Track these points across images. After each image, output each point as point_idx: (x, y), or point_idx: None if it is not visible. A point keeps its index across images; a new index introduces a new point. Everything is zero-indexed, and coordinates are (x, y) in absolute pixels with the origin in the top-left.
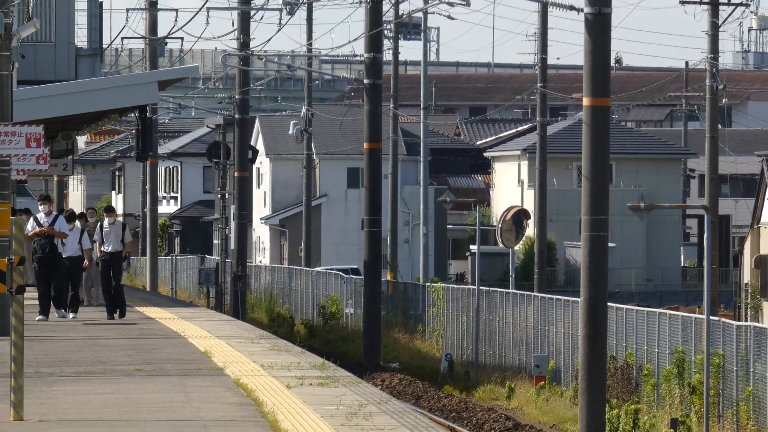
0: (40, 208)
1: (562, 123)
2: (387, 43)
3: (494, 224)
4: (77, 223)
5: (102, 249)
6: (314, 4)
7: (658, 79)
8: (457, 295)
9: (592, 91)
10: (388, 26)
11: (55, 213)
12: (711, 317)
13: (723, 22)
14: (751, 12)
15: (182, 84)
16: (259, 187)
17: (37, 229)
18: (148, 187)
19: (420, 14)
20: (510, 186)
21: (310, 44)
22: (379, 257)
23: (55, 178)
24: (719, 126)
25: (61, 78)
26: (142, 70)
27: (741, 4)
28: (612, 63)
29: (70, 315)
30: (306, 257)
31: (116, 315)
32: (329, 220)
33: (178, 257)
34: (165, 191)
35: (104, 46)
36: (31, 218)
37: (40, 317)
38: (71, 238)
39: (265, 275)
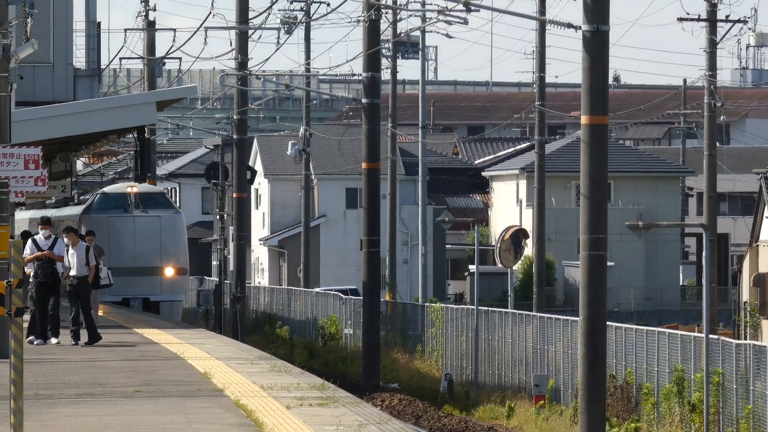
0: (41, 231)
1: (560, 141)
2: (385, 63)
3: (493, 244)
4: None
5: (69, 274)
6: (312, 23)
7: (656, 97)
8: (456, 315)
9: (590, 109)
10: (387, 45)
11: (54, 236)
12: (710, 336)
13: (721, 39)
14: (749, 29)
15: (180, 104)
16: (257, 208)
17: (37, 252)
18: None
19: (418, 33)
20: (508, 205)
21: (308, 64)
22: (378, 278)
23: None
24: (717, 144)
25: (60, 99)
26: (140, 90)
27: (739, 21)
28: (610, 81)
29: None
30: (305, 278)
31: (79, 341)
32: (328, 241)
33: None
34: None
35: (102, 67)
36: (29, 241)
37: (38, 341)
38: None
39: (264, 296)
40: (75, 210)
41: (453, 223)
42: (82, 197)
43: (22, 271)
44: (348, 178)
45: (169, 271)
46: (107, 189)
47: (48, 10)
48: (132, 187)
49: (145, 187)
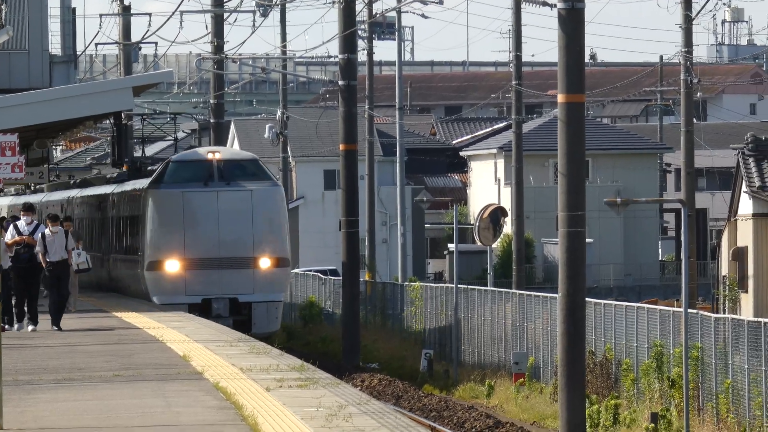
0: (23, 217)
1: (537, 120)
2: (361, 44)
3: (472, 223)
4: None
5: (47, 259)
6: (287, 5)
7: (633, 74)
8: (435, 294)
9: (566, 88)
10: (362, 27)
11: (36, 222)
12: (689, 310)
13: (696, 15)
14: (724, 4)
15: (157, 89)
16: None
17: (18, 237)
18: None
19: (394, 14)
20: (486, 184)
21: (284, 46)
22: (357, 258)
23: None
24: (694, 120)
25: (35, 85)
26: (116, 76)
27: None
28: (586, 59)
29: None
30: None
31: (54, 327)
32: (307, 222)
33: None
34: None
35: (78, 53)
36: (11, 226)
37: (17, 325)
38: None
39: None
40: (139, 184)
41: (431, 203)
42: (150, 168)
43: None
44: (326, 160)
45: (264, 263)
46: (181, 155)
47: None
48: (214, 153)
49: (231, 152)
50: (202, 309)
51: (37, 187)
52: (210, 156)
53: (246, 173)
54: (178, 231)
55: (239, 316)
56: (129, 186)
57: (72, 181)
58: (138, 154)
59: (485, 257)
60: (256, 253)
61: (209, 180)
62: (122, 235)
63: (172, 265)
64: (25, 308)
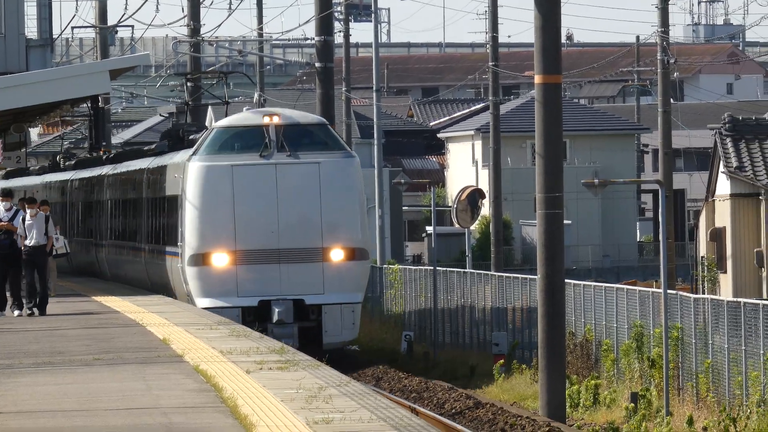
0: (1, 204)
1: (514, 101)
2: (338, 26)
3: (450, 205)
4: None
5: (25, 243)
6: None
7: (610, 55)
8: (414, 276)
9: (543, 69)
10: (339, 8)
11: (15, 208)
12: (668, 291)
13: None
14: None
15: (134, 73)
16: None
17: None
18: None
19: None
20: (464, 166)
21: (261, 29)
22: None
23: None
24: (671, 100)
25: (12, 70)
26: (93, 59)
27: None
28: (563, 40)
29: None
30: None
31: (35, 311)
32: None
33: None
34: None
35: (54, 37)
36: None
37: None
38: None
39: None
40: (178, 157)
41: (409, 185)
42: (191, 137)
43: None
44: None
45: (337, 255)
46: (229, 120)
47: None
48: (271, 116)
49: (293, 114)
50: (259, 313)
51: (67, 164)
52: (266, 120)
53: (313, 141)
54: (226, 216)
55: (306, 322)
56: (166, 159)
57: (105, 156)
58: (115, 139)
59: (463, 239)
60: (327, 242)
61: (265, 150)
62: (158, 220)
63: (220, 259)
64: (7, 294)
